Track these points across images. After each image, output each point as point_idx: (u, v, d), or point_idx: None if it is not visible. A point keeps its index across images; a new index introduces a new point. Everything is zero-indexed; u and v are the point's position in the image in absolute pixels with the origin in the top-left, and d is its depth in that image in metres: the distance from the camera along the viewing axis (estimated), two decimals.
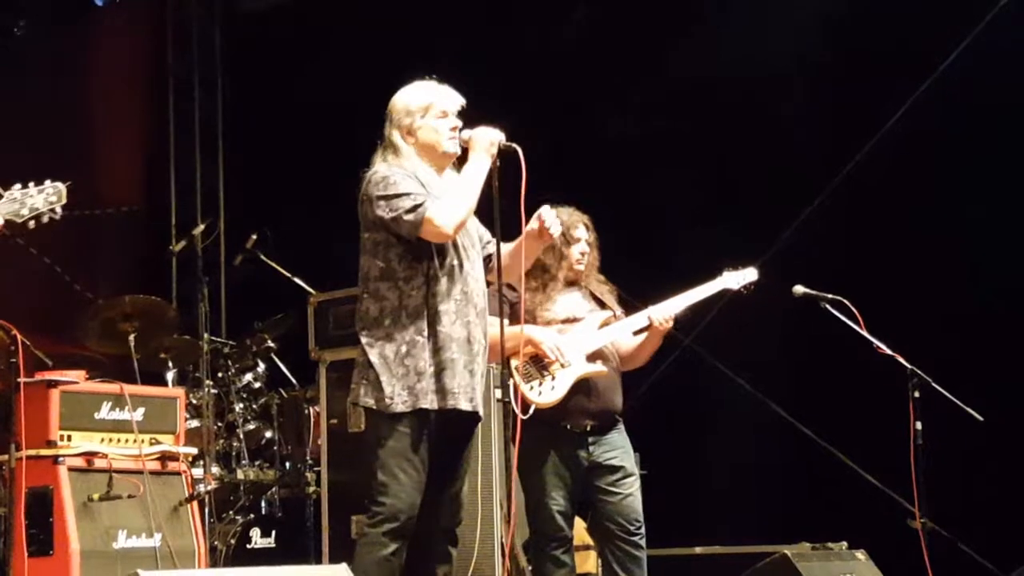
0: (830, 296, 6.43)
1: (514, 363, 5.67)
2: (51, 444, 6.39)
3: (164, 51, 11.68)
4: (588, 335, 5.94)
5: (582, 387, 5.84)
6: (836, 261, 8.24)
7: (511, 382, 5.48)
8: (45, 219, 4.58)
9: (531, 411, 5.67)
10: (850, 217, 8.65)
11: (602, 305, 6.08)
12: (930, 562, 6.10)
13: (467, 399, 5.06)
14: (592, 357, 5.89)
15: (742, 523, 8.48)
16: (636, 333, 6.08)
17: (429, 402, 5.00)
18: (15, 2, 10.11)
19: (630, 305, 6.21)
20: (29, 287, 9.78)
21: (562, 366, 5.80)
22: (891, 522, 7.13)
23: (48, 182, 4.59)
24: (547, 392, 5.80)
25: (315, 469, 8.13)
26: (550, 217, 5.20)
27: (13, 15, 10.13)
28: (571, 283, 6.08)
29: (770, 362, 8.83)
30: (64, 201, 4.61)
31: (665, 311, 5.99)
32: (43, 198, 4.56)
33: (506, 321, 5.22)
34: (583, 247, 6.07)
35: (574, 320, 5.97)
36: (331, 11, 10.54)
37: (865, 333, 6.32)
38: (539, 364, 5.83)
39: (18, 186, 4.53)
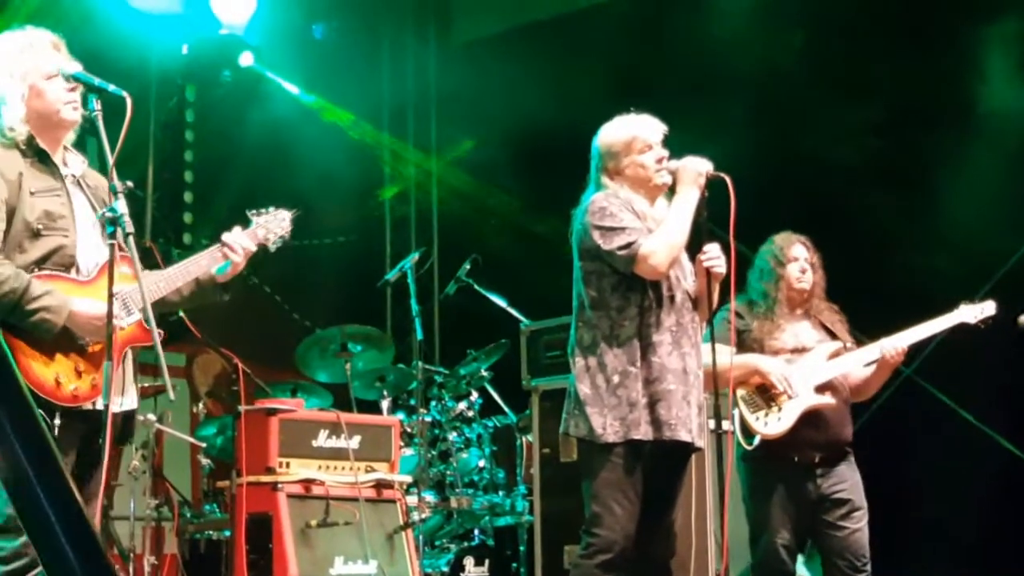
0: None
1: (740, 392, 5.63)
2: (270, 471, 6.51)
3: (380, 82, 11.88)
4: (817, 366, 5.82)
5: (810, 419, 5.73)
6: None
7: (736, 411, 5.45)
8: (280, 244, 4.73)
9: (756, 441, 5.66)
10: None
11: (832, 335, 5.95)
12: None
13: (686, 430, 4.98)
14: (821, 388, 5.78)
15: (961, 556, 8.22)
16: (866, 365, 5.95)
17: (643, 433, 4.92)
18: (241, 41, 10.38)
19: (857, 336, 6.08)
20: (250, 316, 10.01)
21: (789, 397, 5.71)
22: None
23: (272, 209, 4.73)
24: (773, 423, 5.71)
25: (528, 498, 8.12)
26: (711, 252, 5.11)
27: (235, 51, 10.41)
28: (799, 309, 5.98)
29: (992, 394, 8.53)
30: (291, 228, 4.75)
31: (897, 343, 5.84)
32: (277, 223, 4.71)
33: (734, 349, 5.16)
34: (802, 265, 5.95)
35: (803, 350, 5.85)
36: (544, 39, 10.60)
37: None
38: (765, 394, 5.74)
39: (254, 212, 4.68)
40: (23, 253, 4.19)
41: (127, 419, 4.42)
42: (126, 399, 4.37)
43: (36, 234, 4.20)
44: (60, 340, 4.16)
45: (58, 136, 4.41)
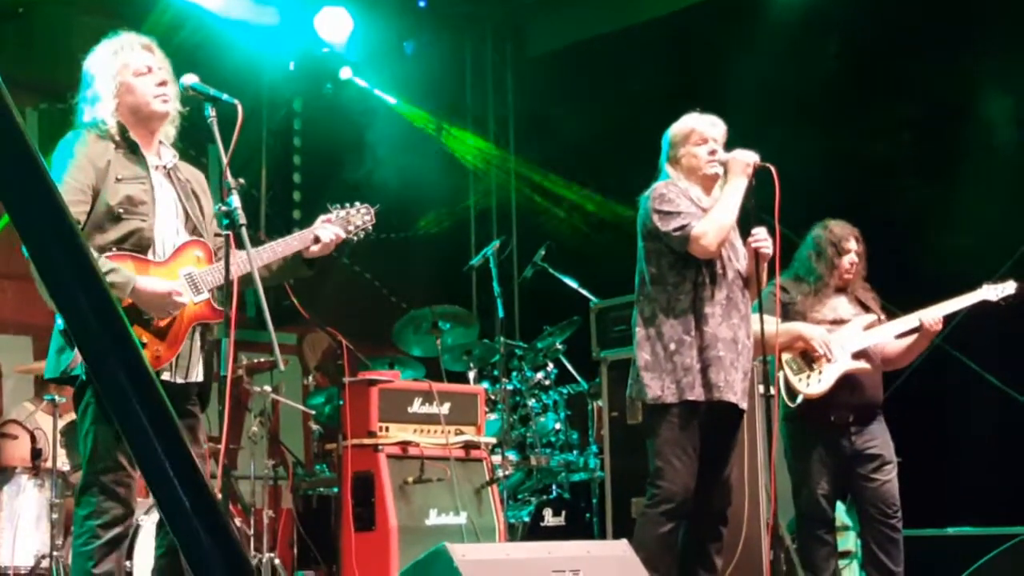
0: None
1: (785, 357, 5.68)
2: (372, 434, 6.55)
3: (463, 91, 11.86)
4: (854, 336, 5.84)
5: (846, 383, 5.74)
6: None
7: (780, 373, 5.46)
8: (362, 235, 4.60)
9: (799, 400, 5.70)
10: None
11: (866, 309, 5.96)
12: None
13: (733, 392, 5.00)
14: (857, 356, 5.79)
15: (991, 507, 8.09)
16: (904, 335, 5.93)
17: (696, 395, 4.95)
18: (341, 57, 10.40)
19: (890, 312, 6.05)
20: (353, 300, 10.07)
21: (828, 361, 5.72)
22: None
23: (358, 204, 4.60)
24: (814, 384, 5.74)
25: (599, 456, 8.09)
26: (759, 235, 5.09)
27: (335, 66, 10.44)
28: (840, 289, 5.97)
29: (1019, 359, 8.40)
30: (374, 221, 4.63)
31: (935, 314, 5.83)
32: (360, 217, 4.60)
33: (779, 319, 5.19)
34: (852, 258, 5.97)
35: (841, 322, 5.87)
36: (607, 50, 10.54)
37: None
38: (808, 359, 5.78)
39: (337, 206, 4.56)
40: (103, 233, 4.03)
41: (201, 390, 4.26)
42: (192, 372, 4.20)
43: (117, 217, 4.04)
44: (126, 314, 4.00)
45: (151, 128, 4.24)
